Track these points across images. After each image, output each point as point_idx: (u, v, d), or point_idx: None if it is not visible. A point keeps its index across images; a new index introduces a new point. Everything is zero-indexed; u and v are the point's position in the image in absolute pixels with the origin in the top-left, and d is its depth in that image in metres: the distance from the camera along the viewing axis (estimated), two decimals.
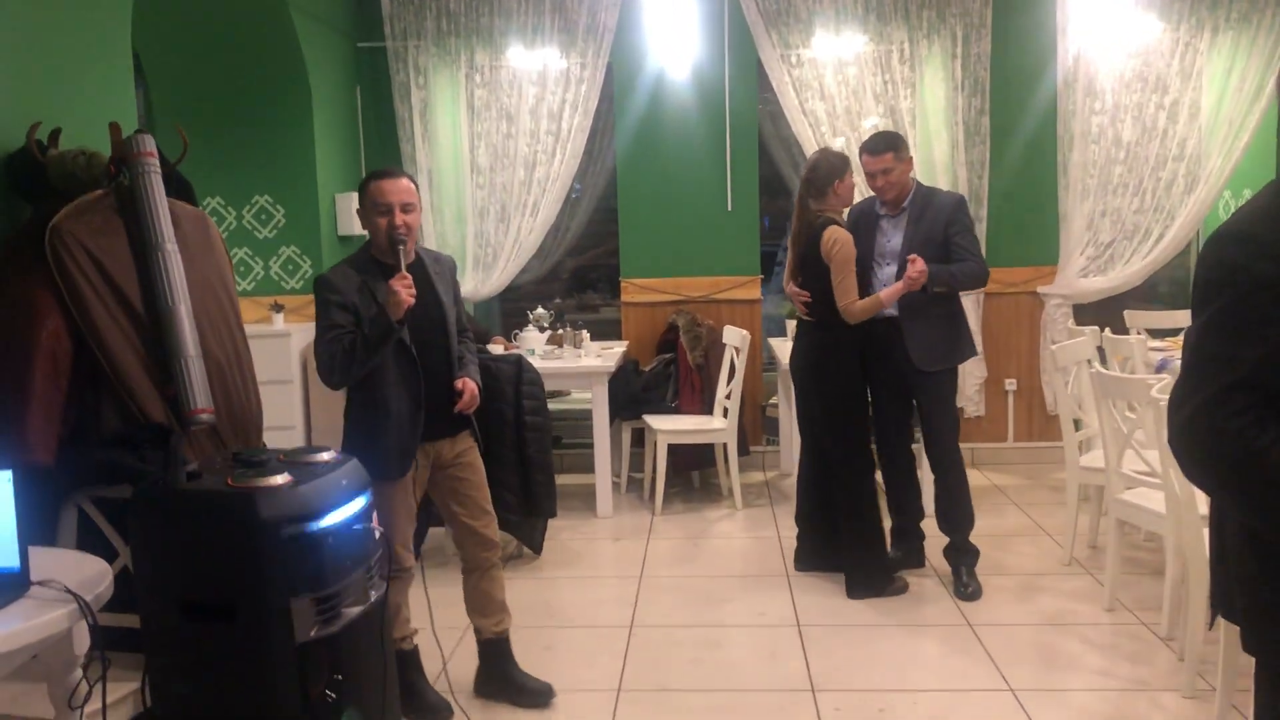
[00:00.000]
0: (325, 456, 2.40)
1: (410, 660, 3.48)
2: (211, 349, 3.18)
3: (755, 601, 4.42)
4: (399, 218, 3.18)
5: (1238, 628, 1.83)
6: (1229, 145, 6.26)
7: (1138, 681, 3.57)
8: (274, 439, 4.51)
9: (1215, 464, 1.59)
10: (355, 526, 2.31)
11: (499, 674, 3.59)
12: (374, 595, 2.38)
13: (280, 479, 2.19)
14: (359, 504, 2.36)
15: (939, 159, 6.33)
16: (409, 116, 6.49)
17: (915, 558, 4.71)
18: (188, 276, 3.13)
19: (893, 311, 4.35)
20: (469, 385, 3.35)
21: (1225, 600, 1.83)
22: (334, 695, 2.19)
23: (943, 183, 6.24)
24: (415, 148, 6.47)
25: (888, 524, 4.71)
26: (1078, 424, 4.75)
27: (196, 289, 3.17)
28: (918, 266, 4.14)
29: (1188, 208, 6.34)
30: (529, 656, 3.71)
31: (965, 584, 4.40)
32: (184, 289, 3.09)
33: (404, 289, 3.06)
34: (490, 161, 6.52)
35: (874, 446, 4.59)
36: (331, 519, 2.23)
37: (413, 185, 3.27)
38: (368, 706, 2.36)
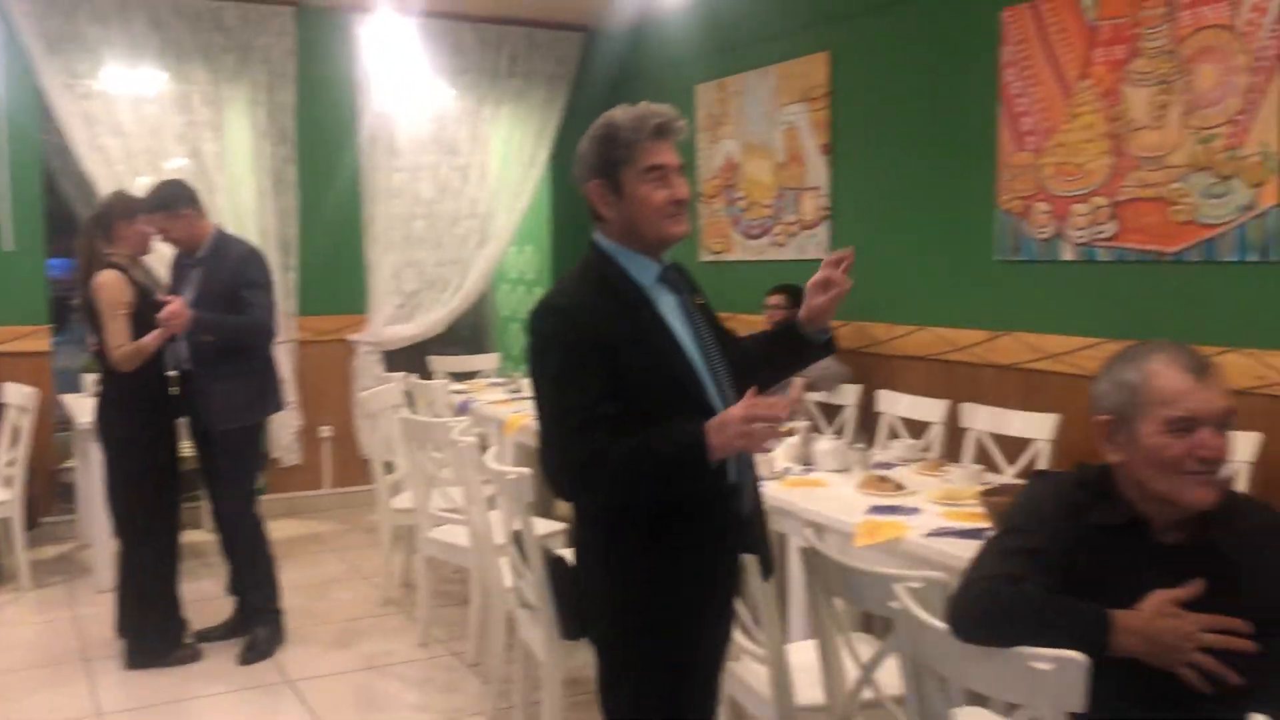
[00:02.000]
0: None
1: None
2: None
3: (48, 696, 3.92)
4: None
5: (537, 645, 2.12)
6: (512, 205, 6.99)
7: (450, 710, 3.78)
8: None
9: (585, 486, 2.06)
10: None
11: None
12: None
13: None
14: None
15: (247, 206, 6.22)
16: None
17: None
18: None
19: (189, 366, 4.16)
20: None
21: (572, 620, 2.33)
22: None
23: (252, 229, 6.13)
24: None
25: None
26: (390, 467, 4.94)
27: None
28: (172, 308, 3.94)
29: (482, 260, 6.94)
30: None
31: (253, 647, 4.24)
32: None
33: None
34: None
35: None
36: None
37: None
38: None
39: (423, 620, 4.41)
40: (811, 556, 2.28)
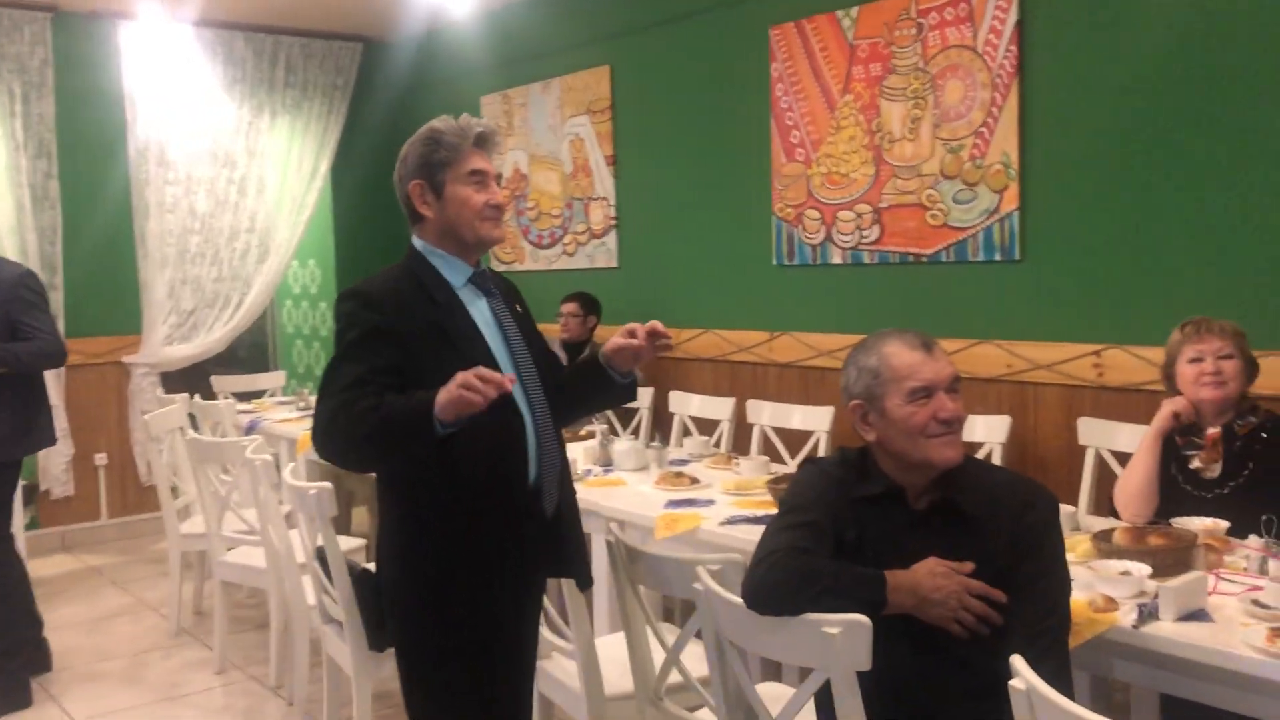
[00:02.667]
0: None
1: None
2: None
3: None
4: None
5: (345, 660, 2.13)
6: (294, 219, 6.83)
7: None
8: None
9: (322, 439, 2.11)
10: None
11: None
12: None
13: None
14: None
15: (4, 223, 5.85)
16: None
17: None
18: None
19: None
20: None
21: (380, 629, 2.33)
22: None
23: (9, 248, 5.77)
24: None
25: None
26: (176, 492, 4.76)
27: None
28: None
29: (263, 276, 6.75)
30: None
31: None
32: None
33: None
34: None
35: None
36: None
37: None
38: None
39: (219, 647, 4.27)
40: (618, 549, 2.39)
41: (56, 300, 5.99)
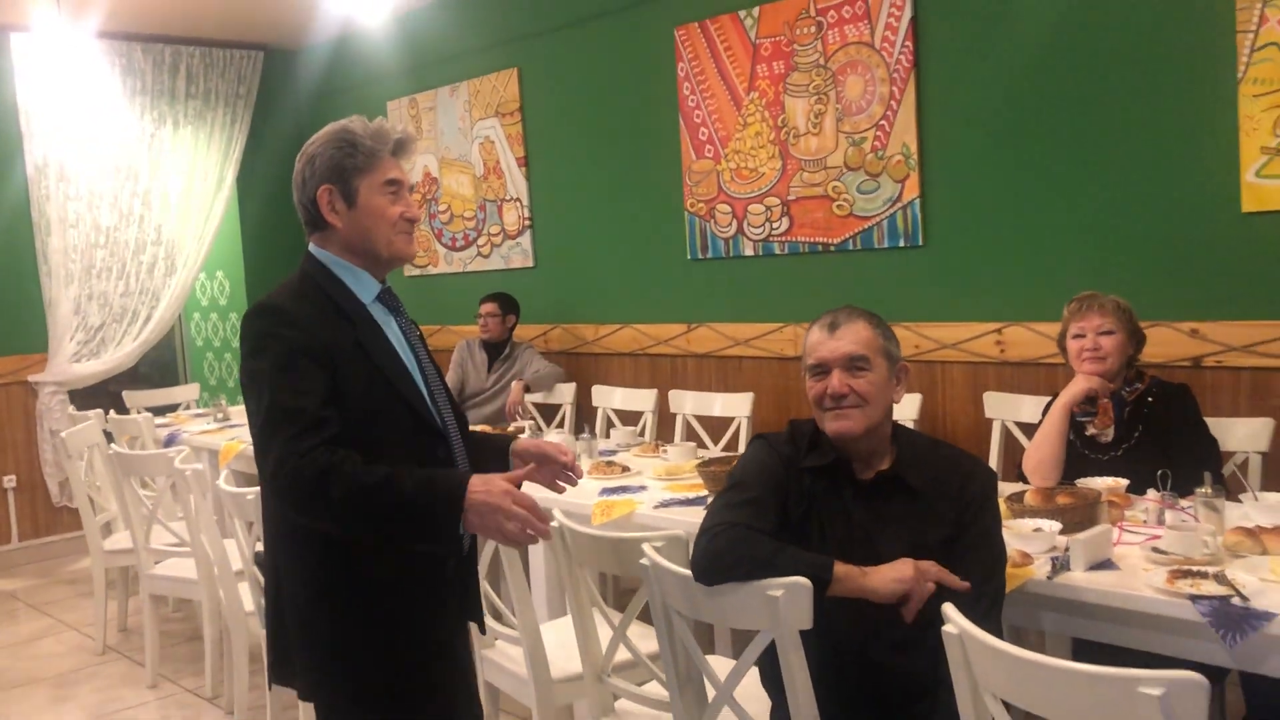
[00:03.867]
0: None
1: None
2: None
3: None
4: None
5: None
6: (201, 230, 6.75)
7: None
8: None
9: (309, 496, 1.82)
10: None
11: None
12: None
13: None
14: None
15: None
16: None
17: None
18: None
19: None
20: None
21: (281, 665, 2.06)
22: None
23: None
24: None
25: None
26: (95, 508, 4.69)
27: None
28: None
29: (171, 289, 6.66)
30: None
31: None
32: None
33: None
34: None
35: None
36: None
37: None
38: None
39: (150, 663, 4.24)
40: (565, 534, 2.48)
41: None
